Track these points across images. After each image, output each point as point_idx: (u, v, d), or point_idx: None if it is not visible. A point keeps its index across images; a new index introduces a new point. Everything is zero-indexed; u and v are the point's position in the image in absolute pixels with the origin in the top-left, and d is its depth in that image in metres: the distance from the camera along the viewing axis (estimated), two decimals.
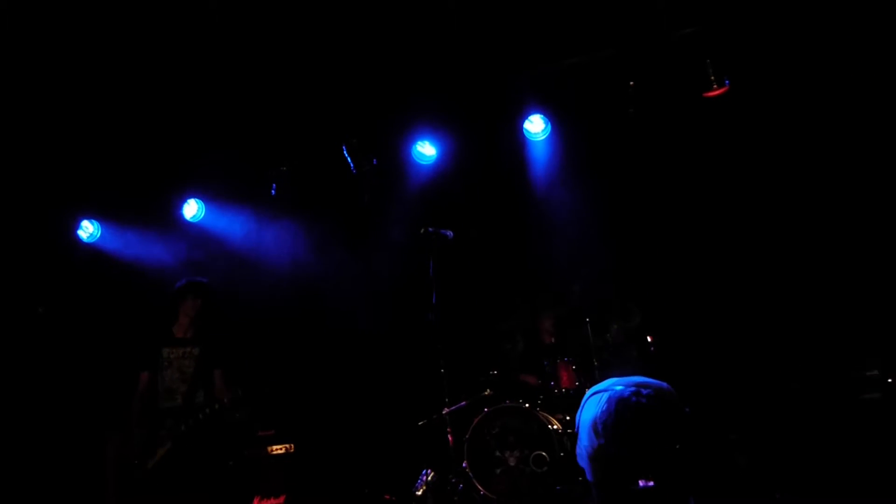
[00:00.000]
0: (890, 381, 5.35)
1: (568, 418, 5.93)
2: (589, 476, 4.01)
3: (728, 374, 6.24)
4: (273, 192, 7.11)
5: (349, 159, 6.76)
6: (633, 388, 3.78)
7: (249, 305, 7.38)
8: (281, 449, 6.36)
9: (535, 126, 6.75)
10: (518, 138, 6.88)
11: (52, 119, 6.51)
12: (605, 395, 3.89)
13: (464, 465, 5.77)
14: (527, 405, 5.85)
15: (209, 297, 5.64)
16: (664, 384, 3.88)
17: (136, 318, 6.59)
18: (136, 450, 5.17)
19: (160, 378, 5.39)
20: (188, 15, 5.70)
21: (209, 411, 5.24)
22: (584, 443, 4.00)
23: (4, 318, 7.11)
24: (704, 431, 5.66)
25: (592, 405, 4.03)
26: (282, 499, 6.19)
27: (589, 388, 6.03)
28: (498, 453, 5.72)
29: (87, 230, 7.43)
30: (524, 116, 6.73)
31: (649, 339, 6.43)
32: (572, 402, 6.13)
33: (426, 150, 6.98)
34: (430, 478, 5.87)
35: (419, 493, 5.88)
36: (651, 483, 5.45)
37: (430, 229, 4.40)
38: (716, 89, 5.99)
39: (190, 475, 5.11)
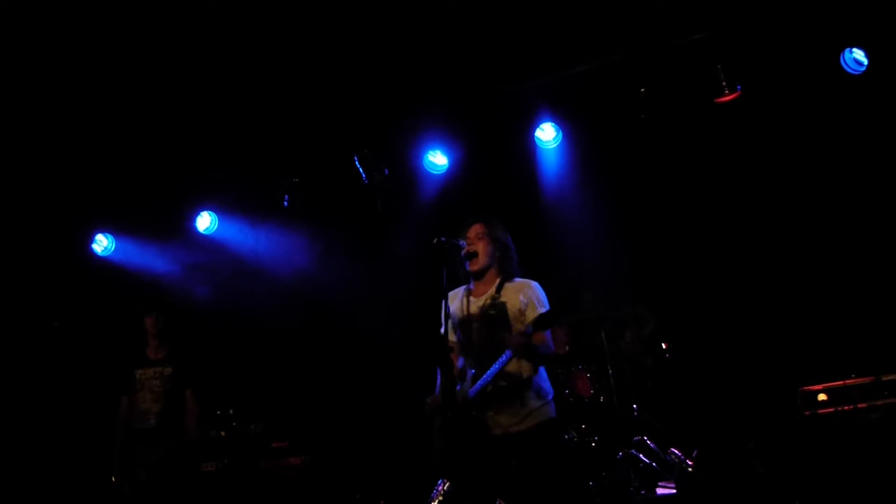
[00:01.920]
0: None
1: (584, 426, 5.89)
2: None
3: (745, 380, 6.20)
4: (286, 203, 7.14)
5: (360, 170, 6.79)
6: None
7: (262, 317, 7.40)
8: (296, 460, 6.36)
9: (547, 134, 6.76)
10: (529, 146, 6.89)
11: (66, 134, 6.57)
12: None
13: None
14: None
15: (168, 313, 5.54)
16: None
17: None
18: (117, 471, 5.18)
19: (134, 400, 5.36)
20: (199, 28, 5.75)
21: (177, 442, 5.23)
22: None
23: (21, 332, 7.15)
24: (721, 439, 5.61)
25: None
26: None
27: (604, 396, 6.06)
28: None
29: (102, 244, 7.47)
30: (535, 124, 6.74)
31: (664, 345, 6.40)
32: (588, 410, 6.11)
33: (437, 159, 7.00)
34: (445, 488, 5.84)
35: (435, 503, 5.85)
36: (672, 489, 5.43)
37: (443, 239, 4.37)
38: (727, 95, 5.98)
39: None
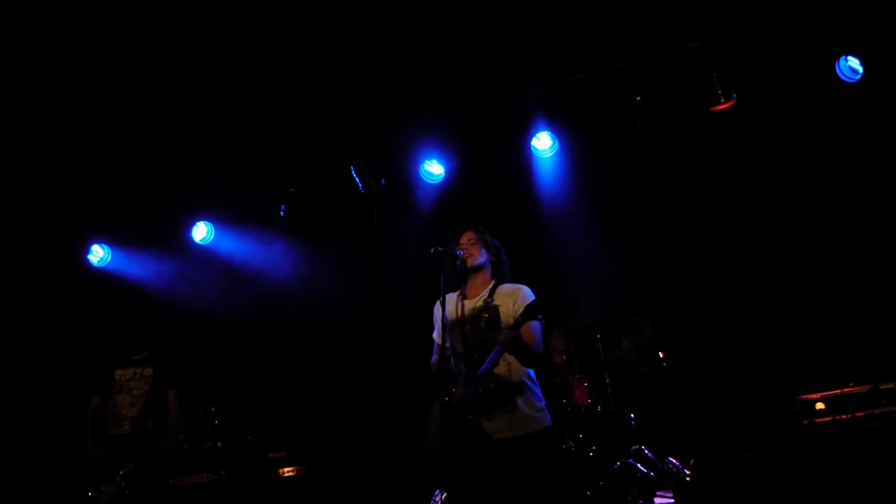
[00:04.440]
0: None
1: (581, 436, 5.87)
2: None
3: (743, 389, 6.18)
4: (282, 213, 7.13)
5: (357, 179, 6.78)
6: None
7: (258, 327, 7.39)
8: (293, 471, 6.33)
9: (543, 143, 6.76)
10: (526, 155, 6.89)
11: (61, 144, 6.57)
12: None
13: None
14: None
15: (129, 328, 5.28)
16: None
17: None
18: (89, 478, 4.91)
19: (111, 403, 5.08)
20: (196, 36, 5.76)
21: (156, 447, 4.87)
22: None
23: (17, 342, 7.12)
24: (719, 448, 5.60)
25: None
26: None
27: (601, 405, 6.04)
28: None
29: (98, 254, 7.46)
30: (531, 133, 6.75)
31: (661, 354, 6.39)
32: (585, 419, 6.09)
33: (434, 168, 7.00)
34: (442, 499, 5.81)
35: None
36: (670, 498, 5.41)
37: (440, 248, 4.41)
38: (723, 103, 5.99)
39: None
